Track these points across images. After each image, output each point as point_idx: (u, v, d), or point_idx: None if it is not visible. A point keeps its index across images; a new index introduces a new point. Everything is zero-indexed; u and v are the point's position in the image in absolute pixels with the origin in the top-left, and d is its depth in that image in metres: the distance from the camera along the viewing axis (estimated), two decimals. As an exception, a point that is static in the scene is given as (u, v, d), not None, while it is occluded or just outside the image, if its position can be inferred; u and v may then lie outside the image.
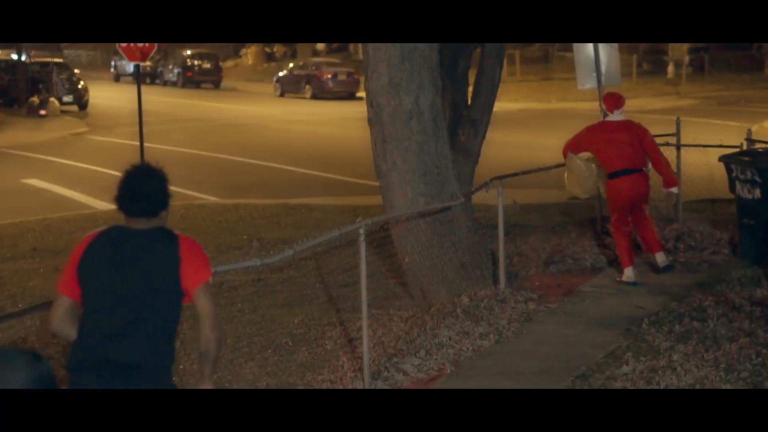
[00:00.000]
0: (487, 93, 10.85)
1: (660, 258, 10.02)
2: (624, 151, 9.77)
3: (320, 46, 58.71)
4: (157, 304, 4.30)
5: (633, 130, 9.93)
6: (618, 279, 9.97)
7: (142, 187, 4.42)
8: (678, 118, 12.80)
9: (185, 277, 4.32)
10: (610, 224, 10.32)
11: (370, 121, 9.43)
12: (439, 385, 7.27)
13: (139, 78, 17.41)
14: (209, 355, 4.33)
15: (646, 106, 32.01)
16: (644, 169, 10.00)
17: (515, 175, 10.59)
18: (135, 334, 4.24)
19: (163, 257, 4.34)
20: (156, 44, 16.44)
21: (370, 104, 9.35)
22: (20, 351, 2.62)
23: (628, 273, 9.87)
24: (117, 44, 16.37)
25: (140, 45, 15.92)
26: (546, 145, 20.10)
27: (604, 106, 10.09)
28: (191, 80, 47.92)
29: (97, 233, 4.44)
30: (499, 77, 11.02)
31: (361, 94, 40.78)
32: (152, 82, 48.01)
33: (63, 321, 4.38)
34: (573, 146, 10.12)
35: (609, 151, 9.82)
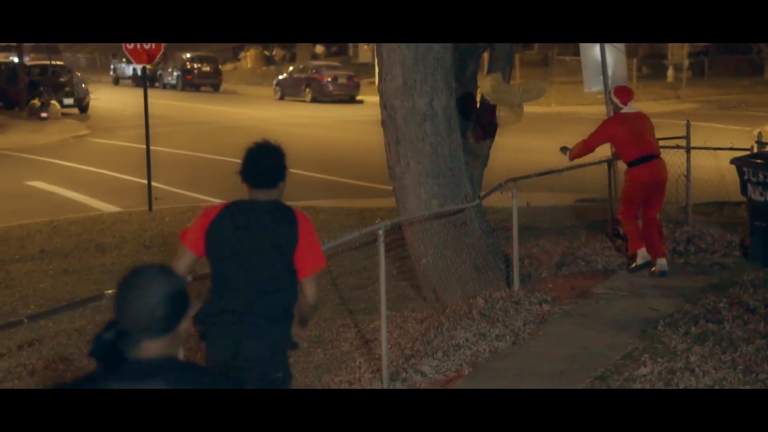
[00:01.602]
0: (496, 96, 10.87)
1: (661, 263, 10.18)
2: (641, 139, 10.12)
3: (319, 49, 58.74)
4: (278, 275, 4.83)
5: (647, 120, 10.41)
6: (633, 265, 10.21)
7: (263, 161, 4.95)
8: (688, 121, 12.84)
9: (300, 260, 4.84)
10: (618, 213, 10.48)
11: (383, 123, 9.43)
12: (458, 386, 7.27)
13: (146, 80, 17.39)
14: (307, 317, 5.04)
15: (647, 110, 31.83)
16: (660, 156, 10.34)
17: (529, 177, 10.60)
18: (264, 297, 4.79)
19: (283, 234, 4.83)
20: (162, 47, 16.44)
21: (384, 106, 9.35)
22: (159, 267, 2.90)
23: (642, 254, 10.12)
24: (123, 46, 16.37)
25: (146, 47, 15.94)
26: (548, 149, 20.12)
27: (617, 100, 10.37)
28: (190, 83, 47.92)
29: (224, 204, 4.95)
30: (508, 80, 11.05)
31: (361, 97, 40.84)
32: (151, 85, 47.92)
33: (186, 272, 4.91)
34: (595, 141, 10.34)
35: (628, 140, 10.14)
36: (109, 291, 5.54)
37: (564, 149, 10.63)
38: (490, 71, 10.96)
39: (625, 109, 10.30)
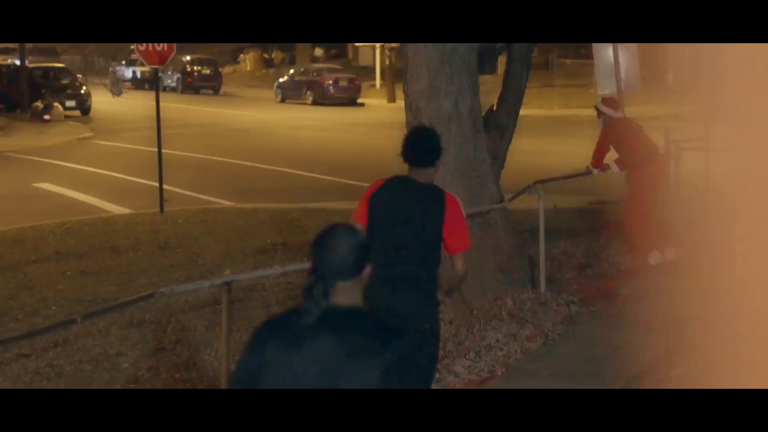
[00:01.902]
0: (514, 97, 10.89)
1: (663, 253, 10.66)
2: (647, 138, 10.95)
3: (318, 52, 58.71)
4: (424, 239, 5.59)
5: None
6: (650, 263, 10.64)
7: (421, 142, 5.75)
8: (706, 122, 12.82)
9: (448, 236, 5.61)
10: (627, 215, 10.78)
11: (408, 124, 9.41)
12: (493, 386, 7.26)
13: (158, 83, 17.43)
14: (453, 285, 5.85)
15: (647, 113, 32.00)
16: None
17: (556, 179, 10.70)
18: (414, 257, 5.56)
19: (431, 208, 5.62)
20: (174, 48, 16.43)
21: (409, 107, 9.34)
22: (347, 225, 3.51)
23: (656, 255, 10.60)
24: (135, 47, 16.38)
25: (158, 49, 15.93)
26: (553, 151, 20.17)
27: (609, 110, 11.08)
28: (191, 86, 47.92)
29: (387, 178, 5.76)
30: (525, 82, 11.08)
31: (362, 100, 40.85)
32: (151, 88, 47.86)
33: None
34: (606, 143, 10.98)
35: (636, 138, 10.84)
36: (162, 289, 5.54)
37: (589, 170, 11.19)
38: (507, 73, 10.99)
39: (617, 115, 11.05)
